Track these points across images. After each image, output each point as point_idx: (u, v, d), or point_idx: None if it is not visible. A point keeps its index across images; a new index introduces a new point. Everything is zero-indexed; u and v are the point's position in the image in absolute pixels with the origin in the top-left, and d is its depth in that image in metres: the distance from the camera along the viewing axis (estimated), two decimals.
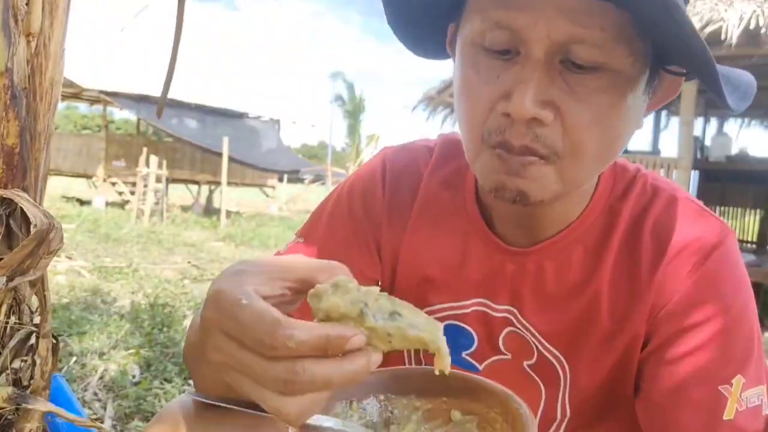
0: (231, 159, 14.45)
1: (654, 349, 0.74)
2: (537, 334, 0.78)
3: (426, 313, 0.86)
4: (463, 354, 0.82)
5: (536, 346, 0.79)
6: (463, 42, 0.69)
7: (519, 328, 0.80)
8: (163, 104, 1.13)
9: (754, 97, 0.72)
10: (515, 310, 0.80)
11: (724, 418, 0.70)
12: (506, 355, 0.81)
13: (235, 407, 0.54)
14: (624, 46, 0.61)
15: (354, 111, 24.15)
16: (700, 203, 0.79)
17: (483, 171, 0.69)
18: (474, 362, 0.82)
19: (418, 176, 0.88)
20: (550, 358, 0.79)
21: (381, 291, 0.98)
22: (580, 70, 0.62)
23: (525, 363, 0.80)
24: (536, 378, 0.79)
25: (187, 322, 3.99)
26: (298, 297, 0.50)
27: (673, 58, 0.66)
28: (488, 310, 0.81)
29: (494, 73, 0.65)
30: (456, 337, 0.83)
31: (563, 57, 0.62)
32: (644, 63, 0.65)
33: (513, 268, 0.80)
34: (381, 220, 0.87)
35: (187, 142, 15.98)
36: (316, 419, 0.53)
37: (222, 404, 0.56)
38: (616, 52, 0.61)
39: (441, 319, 0.83)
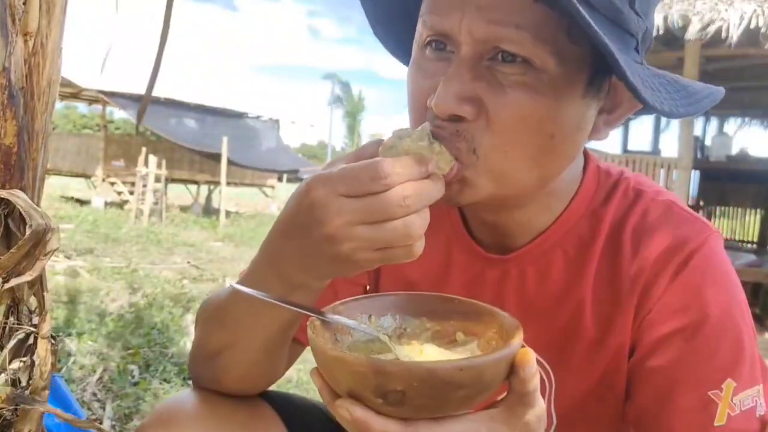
0: (230, 162, 14.44)
1: (641, 357, 0.73)
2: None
3: None
4: None
5: None
6: (414, 46, 0.71)
7: None
8: (144, 108, 1.14)
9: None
10: None
11: (716, 424, 0.69)
12: None
13: (280, 303, 0.61)
14: (545, 46, 0.62)
15: (353, 111, 24.13)
16: (683, 204, 0.78)
17: None
18: None
19: None
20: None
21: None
22: (506, 67, 0.63)
23: None
24: None
25: (186, 323, 3.98)
26: None
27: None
28: None
29: (431, 71, 0.67)
30: None
31: (492, 55, 0.64)
32: (577, 67, 0.64)
33: (494, 274, 0.80)
34: None
35: (185, 147, 15.90)
36: (340, 320, 0.61)
37: (271, 300, 0.61)
38: (537, 50, 0.62)
39: None
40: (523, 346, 0.56)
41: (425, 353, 0.61)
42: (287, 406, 0.85)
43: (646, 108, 0.70)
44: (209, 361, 0.78)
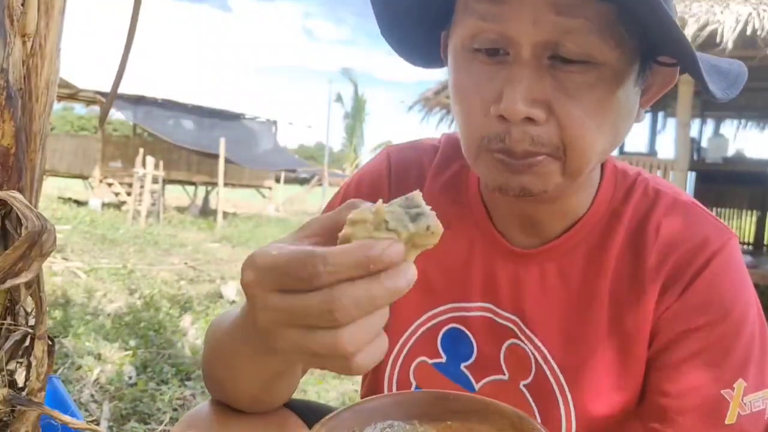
0: (227, 162, 14.44)
1: (656, 352, 0.74)
2: (539, 344, 0.77)
3: (430, 315, 0.85)
4: (462, 366, 0.81)
5: (535, 359, 0.78)
6: (454, 47, 0.69)
7: (522, 340, 0.78)
8: (109, 107, 1.12)
9: (751, 99, 0.72)
10: (518, 319, 0.79)
11: (726, 422, 0.69)
12: (504, 375, 0.79)
13: None
14: (609, 39, 0.61)
15: (354, 111, 24.08)
16: (703, 207, 0.79)
17: (485, 172, 0.69)
18: (471, 377, 0.80)
19: (423, 176, 0.88)
20: (548, 373, 0.77)
21: None
22: (568, 66, 0.62)
23: (522, 383, 0.79)
24: (531, 400, 0.78)
25: (183, 324, 3.98)
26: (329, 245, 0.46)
27: (661, 50, 0.66)
28: (494, 317, 0.80)
29: (486, 76, 0.65)
30: (456, 345, 0.81)
31: (551, 53, 0.62)
32: (632, 57, 0.65)
33: (517, 270, 0.80)
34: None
35: (183, 148, 15.88)
36: None
37: None
38: (602, 44, 0.61)
39: (444, 322, 0.82)
40: None
41: None
42: (311, 415, 0.84)
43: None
44: (216, 385, 0.77)
